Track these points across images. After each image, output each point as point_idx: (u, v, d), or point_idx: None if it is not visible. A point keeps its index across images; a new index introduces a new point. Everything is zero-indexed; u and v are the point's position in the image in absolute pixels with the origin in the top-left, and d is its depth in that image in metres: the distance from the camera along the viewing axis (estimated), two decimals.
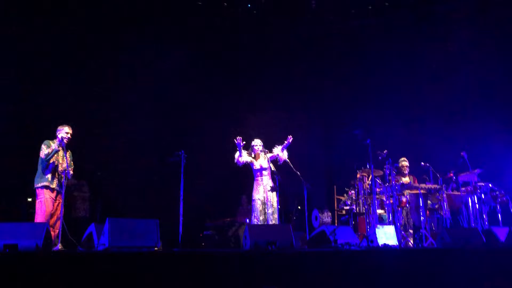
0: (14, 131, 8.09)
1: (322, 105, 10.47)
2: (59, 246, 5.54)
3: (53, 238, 5.32)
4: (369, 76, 10.34)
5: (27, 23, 8.48)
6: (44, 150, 6.13)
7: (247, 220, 7.20)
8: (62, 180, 6.08)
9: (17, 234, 4.46)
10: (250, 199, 7.59)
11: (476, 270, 5.28)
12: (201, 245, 8.34)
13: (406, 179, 8.00)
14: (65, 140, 6.23)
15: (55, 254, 4.69)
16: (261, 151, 7.39)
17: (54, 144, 6.13)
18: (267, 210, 7.14)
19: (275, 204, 7.20)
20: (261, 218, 7.08)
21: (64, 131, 6.28)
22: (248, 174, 7.59)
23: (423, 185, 7.69)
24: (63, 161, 6.18)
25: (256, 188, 7.32)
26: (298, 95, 10.43)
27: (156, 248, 4.79)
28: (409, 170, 8.19)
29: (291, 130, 9.45)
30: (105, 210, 7.12)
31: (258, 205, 7.17)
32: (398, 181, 7.82)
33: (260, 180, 7.33)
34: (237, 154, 7.29)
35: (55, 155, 6.14)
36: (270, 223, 7.02)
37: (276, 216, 7.13)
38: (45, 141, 6.23)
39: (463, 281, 5.14)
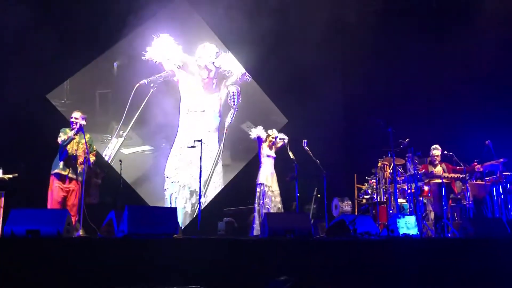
0: None
1: (343, 93, 10.29)
2: (80, 232, 5.62)
3: (73, 224, 5.38)
4: (395, 65, 10.04)
5: None
6: (61, 137, 6.18)
7: (256, 205, 7.21)
8: (82, 167, 6.12)
9: (39, 220, 4.53)
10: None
11: (500, 261, 5.15)
12: (219, 231, 8.36)
13: (438, 169, 7.82)
14: (74, 126, 6.21)
15: (76, 240, 4.77)
16: (273, 143, 7.43)
17: (70, 132, 6.17)
18: (275, 198, 7.20)
19: (278, 191, 7.31)
20: (272, 205, 7.10)
21: (74, 117, 6.29)
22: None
23: (445, 174, 7.53)
24: (78, 147, 6.23)
25: (264, 173, 7.28)
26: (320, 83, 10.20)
27: (175, 235, 4.82)
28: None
29: (312, 118, 9.41)
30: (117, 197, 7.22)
31: (268, 190, 7.18)
32: (428, 170, 7.67)
33: (266, 165, 7.32)
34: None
35: (71, 142, 6.20)
36: (277, 211, 7.07)
37: (280, 206, 7.23)
38: (62, 129, 6.28)
39: (486, 271, 5.03)
